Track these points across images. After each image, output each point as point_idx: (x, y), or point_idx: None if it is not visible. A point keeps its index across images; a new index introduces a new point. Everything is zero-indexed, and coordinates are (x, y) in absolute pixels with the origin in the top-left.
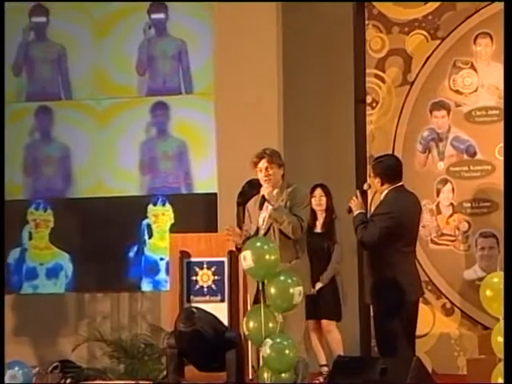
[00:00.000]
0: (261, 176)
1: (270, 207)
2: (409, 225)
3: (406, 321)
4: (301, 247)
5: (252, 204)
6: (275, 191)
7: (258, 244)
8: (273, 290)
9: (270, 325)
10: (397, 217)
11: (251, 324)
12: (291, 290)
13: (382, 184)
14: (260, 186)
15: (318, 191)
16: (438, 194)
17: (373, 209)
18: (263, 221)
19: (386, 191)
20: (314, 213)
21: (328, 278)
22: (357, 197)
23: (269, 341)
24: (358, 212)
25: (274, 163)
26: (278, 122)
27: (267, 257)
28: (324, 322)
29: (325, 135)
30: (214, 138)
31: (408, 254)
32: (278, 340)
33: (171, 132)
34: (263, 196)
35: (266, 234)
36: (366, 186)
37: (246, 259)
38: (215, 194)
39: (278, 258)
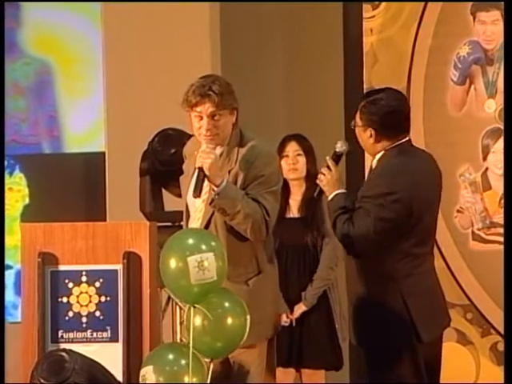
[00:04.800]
0: (199, 127)
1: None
2: (424, 209)
3: (423, 372)
4: (263, 254)
5: (187, 164)
6: (218, 151)
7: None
8: (198, 321)
9: (194, 380)
10: (405, 198)
11: (157, 376)
12: (229, 321)
13: (377, 141)
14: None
15: (292, 146)
16: (485, 157)
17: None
18: (197, 202)
19: (381, 153)
20: (285, 185)
21: (315, 295)
22: (329, 167)
23: None
24: (335, 193)
25: (225, 107)
26: (212, 34)
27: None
28: (307, 372)
29: (292, 56)
30: (100, 60)
31: (422, 258)
32: None
33: (26, 47)
34: (200, 170)
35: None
36: (340, 146)
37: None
38: (102, 155)
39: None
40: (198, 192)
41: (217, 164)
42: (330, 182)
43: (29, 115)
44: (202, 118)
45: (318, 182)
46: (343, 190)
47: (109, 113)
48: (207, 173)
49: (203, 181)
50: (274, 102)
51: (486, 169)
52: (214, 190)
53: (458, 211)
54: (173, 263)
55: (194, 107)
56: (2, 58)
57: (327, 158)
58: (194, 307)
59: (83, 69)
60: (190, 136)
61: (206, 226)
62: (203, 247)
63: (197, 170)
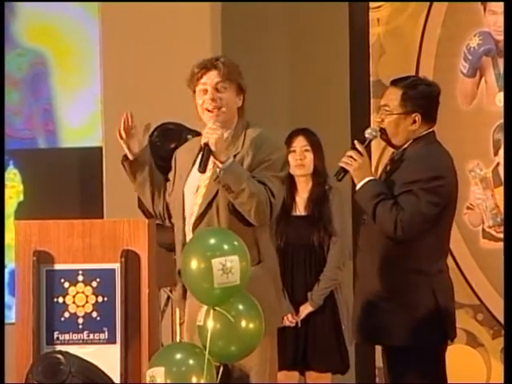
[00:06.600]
0: (202, 102)
1: (215, 167)
2: (454, 201)
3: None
4: (264, 243)
5: (184, 157)
6: (225, 134)
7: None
8: (212, 323)
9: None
10: (449, 184)
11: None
12: (243, 324)
13: (420, 126)
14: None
15: (300, 142)
16: (496, 151)
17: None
18: (200, 189)
19: (408, 142)
20: (291, 181)
21: (321, 296)
22: (360, 152)
23: None
24: (368, 179)
25: (232, 81)
26: (212, 25)
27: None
28: (312, 375)
29: (297, 47)
30: (97, 52)
31: (446, 251)
32: None
33: (20, 38)
34: (206, 146)
35: (203, 214)
36: (370, 132)
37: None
38: (99, 150)
39: None
40: (203, 168)
41: (222, 140)
42: (362, 168)
43: (23, 108)
44: (206, 92)
45: (343, 165)
46: (375, 177)
47: (106, 106)
48: (213, 148)
49: (209, 157)
50: (278, 95)
51: (497, 164)
52: (219, 166)
53: (468, 208)
54: (195, 264)
55: (199, 80)
56: (2, 57)
57: (355, 141)
58: (214, 309)
59: (80, 60)
60: (190, 130)
61: (207, 209)
62: (228, 249)
63: (202, 146)
